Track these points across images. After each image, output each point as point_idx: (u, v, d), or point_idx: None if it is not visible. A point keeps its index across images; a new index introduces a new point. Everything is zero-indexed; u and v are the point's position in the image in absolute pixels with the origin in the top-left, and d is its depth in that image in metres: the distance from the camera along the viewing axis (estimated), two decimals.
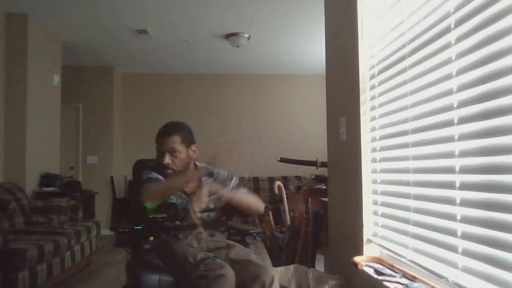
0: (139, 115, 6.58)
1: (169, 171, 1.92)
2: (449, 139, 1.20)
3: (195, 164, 2.04)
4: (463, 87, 1.13)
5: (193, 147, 1.99)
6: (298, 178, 6.23)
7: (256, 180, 6.34)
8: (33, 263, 2.91)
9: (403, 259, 1.48)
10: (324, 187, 2.50)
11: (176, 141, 1.91)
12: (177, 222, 1.88)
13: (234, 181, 2.10)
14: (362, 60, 1.81)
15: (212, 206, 1.99)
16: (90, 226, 4.08)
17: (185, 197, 1.94)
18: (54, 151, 4.92)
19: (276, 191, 3.13)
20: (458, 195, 1.16)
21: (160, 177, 1.93)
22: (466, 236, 1.13)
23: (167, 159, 1.90)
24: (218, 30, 4.72)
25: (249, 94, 6.78)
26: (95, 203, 5.36)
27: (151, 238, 1.74)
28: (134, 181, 2.20)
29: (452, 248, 1.19)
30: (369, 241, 1.76)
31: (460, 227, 1.15)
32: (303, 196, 2.81)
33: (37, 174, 4.48)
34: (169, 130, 1.94)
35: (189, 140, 1.97)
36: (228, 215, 2.15)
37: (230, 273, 1.57)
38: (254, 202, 2.06)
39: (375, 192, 1.75)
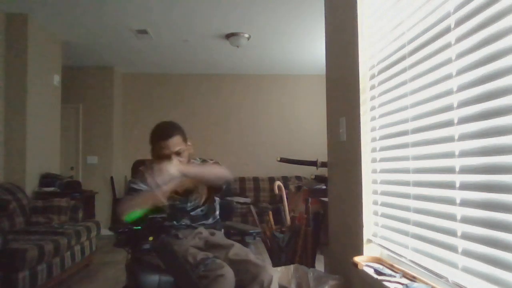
0: (139, 115, 6.58)
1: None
2: (449, 139, 1.20)
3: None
4: (463, 87, 1.13)
5: (189, 143, 1.98)
6: (298, 178, 6.23)
7: (256, 180, 6.34)
8: (33, 263, 2.91)
9: (403, 259, 1.48)
10: (324, 187, 2.50)
11: (179, 141, 1.89)
12: (174, 222, 1.88)
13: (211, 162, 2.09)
14: (362, 60, 1.81)
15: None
16: (90, 226, 4.08)
17: (179, 198, 1.95)
18: (54, 151, 4.93)
19: (276, 191, 3.13)
20: (458, 195, 1.16)
21: (144, 187, 1.86)
22: (466, 236, 1.13)
23: (176, 161, 1.86)
24: (218, 30, 4.72)
25: (249, 94, 6.78)
26: (95, 203, 5.36)
27: (151, 238, 1.74)
28: None
29: (452, 248, 1.19)
30: (369, 241, 1.76)
31: (460, 227, 1.15)
32: (303, 196, 2.81)
33: (37, 174, 4.48)
34: (168, 132, 1.89)
35: (185, 137, 1.96)
36: (207, 198, 2.09)
37: (229, 273, 1.57)
38: (215, 171, 1.95)
39: (375, 192, 1.75)
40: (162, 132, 1.89)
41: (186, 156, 1.93)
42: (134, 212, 1.74)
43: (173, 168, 1.73)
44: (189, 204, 1.96)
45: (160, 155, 1.87)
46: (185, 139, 1.94)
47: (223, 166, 2.03)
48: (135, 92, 6.67)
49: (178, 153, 1.88)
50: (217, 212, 2.09)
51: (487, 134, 1.04)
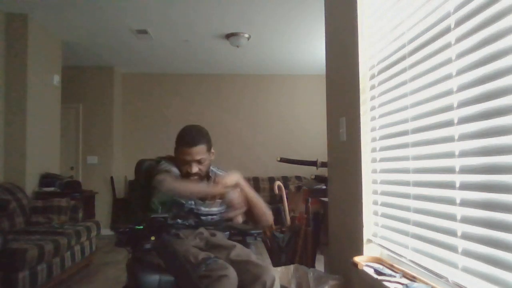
0: (139, 115, 6.58)
1: (195, 177, 1.91)
2: (449, 139, 1.20)
3: (210, 176, 2.04)
4: (463, 87, 1.13)
5: (212, 150, 1.99)
6: (298, 178, 6.23)
7: (256, 180, 6.34)
8: (33, 263, 2.91)
9: (403, 259, 1.48)
10: (324, 187, 2.50)
11: (202, 151, 1.90)
12: (178, 220, 1.88)
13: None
14: (362, 60, 1.81)
15: (223, 210, 1.98)
16: (90, 226, 4.08)
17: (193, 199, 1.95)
18: (54, 151, 4.92)
19: (276, 191, 3.13)
20: (458, 195, 1.16)
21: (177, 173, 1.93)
22: (466, 236, 1.13)
23: (195, 169, 1.89)
24: (218, 30, 4.72)
25: (249, 94, 6.78)
26: (95, 203, 5.36)
27: (152, 238, 1.74)
28: (136, 180, 2.20)
29: (452, 248, 1.19)
30: (369, 241, 1.76)
31: (460, 227, 1.15)
32: (303, 196, 2.81)
33: (37, 174, 4.48)
34: (195, 139, 1.89)
35: (210, 145, 1.97)
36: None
37: (232, 273, 1.57)
38: (264, 206, 2.00)
39: (375, 192, 1.75)
40: (188, 138, 1.90)
41: (207, 165, 1.95)
42: (175, 196, 1.79)
43: (234, 177, 1.81)
44: (203, 208, 1.96)
45: (182, 160, 1.90)
46: (209, 148, 1.95)
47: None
48: (135, 92, 6.67)
49: (199, 162, 1.90)
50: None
51: (487, 134, 1.04)
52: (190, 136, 1.92)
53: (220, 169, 2.13)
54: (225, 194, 1.83)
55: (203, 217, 1.95)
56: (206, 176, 2.00)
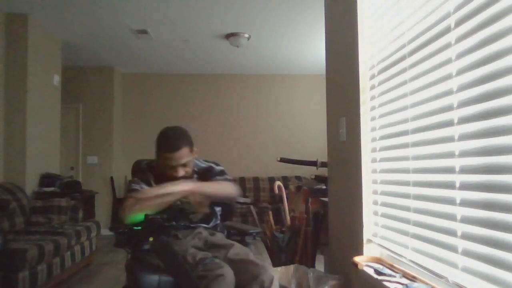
0: (139, 115, 6.58)
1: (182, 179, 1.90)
2: (449, 139, 1.20)
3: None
4: (463, 87, 1.13)
5: (195, 149, 1.97)
6: (298, 178, 6.23)
7: (256, 180, 6.34)
8: (33, 263, 2.91)
9: (403, 259, 1.48)
10: (324, 187, 2.50)
11: (185, 154, 1.87)
12: (173, 223, 1.88)
13: (218, 172, 2.07)
14: (362, 60, 1.81)
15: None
16: (90, 226, 4.08)
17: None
18: (54, 151, 4.92)
19: (276, 191, 3.13)
20: (458, 195, 1.16)
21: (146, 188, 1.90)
22: (466, 236, 1.13)
23: (182, 172, 1.88)
24: (218, 30, 4.72)
25: (249, 94, 6.78)
26: (95, 203, 5.36)
27: (151, 239, 1.74)
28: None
29: (452, 248, 1.19)
30: (369, 241, 1.76)
31: (460, 227, 1.15)
32: (303, 196, 2.81)
33: (37, 174, 4.47)
34: (176, 144, 1.85)
35: (192, 145, 1.93)
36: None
37: (229, 273, 1.57)
38: (227, 190, 1.98)
39: (375, 192, 1.75)
40: (169, 144, 1.86)
41: (191, 166, 1.93)
42: (139, 215, 1.76)
43: (186, 186, 1.79)
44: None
45: (166, 166, 1.87)
46: (191, 149, 1.92)
47: (232, 182, 2.03)
48: (135, 92, 6.67)
49: (184, 165, 1.88)
50: (218, 215, 2.09)
51: (487, 134, 1.04)
52: (172, 141, 1.87)
53: (206, 160, 2.11)
54: (185, 196, 1.83)
55: (191, 216, 1.95)
56: (191, 175, 1.98)
